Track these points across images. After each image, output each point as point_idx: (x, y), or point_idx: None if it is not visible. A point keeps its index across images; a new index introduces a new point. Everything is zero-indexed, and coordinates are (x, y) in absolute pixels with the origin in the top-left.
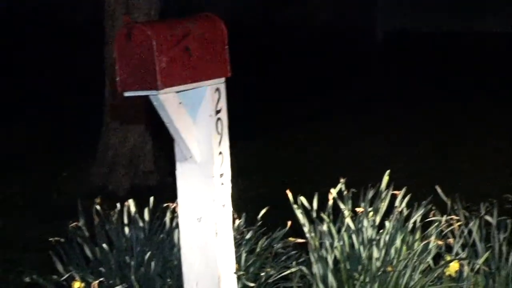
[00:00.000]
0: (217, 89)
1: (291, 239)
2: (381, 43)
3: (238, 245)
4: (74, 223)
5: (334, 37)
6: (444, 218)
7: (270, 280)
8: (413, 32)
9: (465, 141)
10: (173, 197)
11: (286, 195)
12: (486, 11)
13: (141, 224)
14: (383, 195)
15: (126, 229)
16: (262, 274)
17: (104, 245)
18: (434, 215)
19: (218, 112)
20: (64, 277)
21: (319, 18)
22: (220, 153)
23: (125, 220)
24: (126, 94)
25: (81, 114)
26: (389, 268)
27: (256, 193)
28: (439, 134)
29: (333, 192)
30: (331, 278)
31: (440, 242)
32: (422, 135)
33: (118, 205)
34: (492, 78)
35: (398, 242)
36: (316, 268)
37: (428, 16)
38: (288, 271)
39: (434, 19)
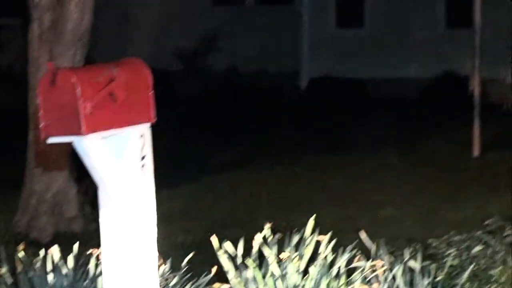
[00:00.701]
0: (142, 135)
1: (216, 285)
2: (306, 89)
3: None
4: None
5: (260, 84)
6: (368, 263)
7: None
8: (338, 78)
9: (388, 186)
10: (97, 244)
11: (212, 240)
12: (409, 59)
13: (65, 271)
14: (308, 240)
15: (50, 277)
16: None
17: None
18: (358, 260)
19: (143, 158)
20: None
21: (246, 64)
22: (145, 198)
23: (49, 267)
24: (50, 140)
25: (4, 160)
26: None
27: (182, 238)
28: (363, 179)
29: (258, 238)
30: None
31: None
32: (346, 180)
33: (42, 252)
34: (407, 124)
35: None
36: None
37: (353, 63)
38: None
39: (358, 66)
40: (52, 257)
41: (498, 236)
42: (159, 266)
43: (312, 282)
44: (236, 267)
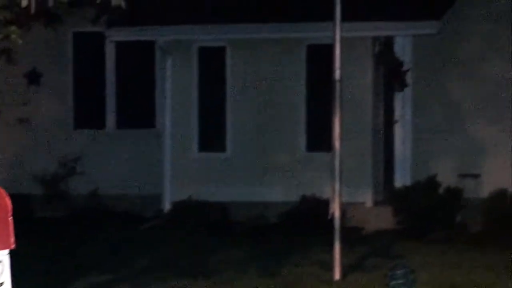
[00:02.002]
0: (1, 261)
1: None
2: (169, 213)
3: None
4: None
5: (123, 208)
6: None
7: None
8: (200, 202)
9: None
10: None
11: None
12: (270, 183)
13: None
14: None
15: None
16: None
17: None
18: None
19: (1, 284)
20: None
21: (108, 188)
22: None
23: None
24: None
25: None
26: None
27: None
28: None
29: None
30: None
31: None
32: None
33: None
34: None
35: None
36: None
37: (215, 187)
38: None
39: (220, 190)
40: None
41: None
42: None
43: None
44: None
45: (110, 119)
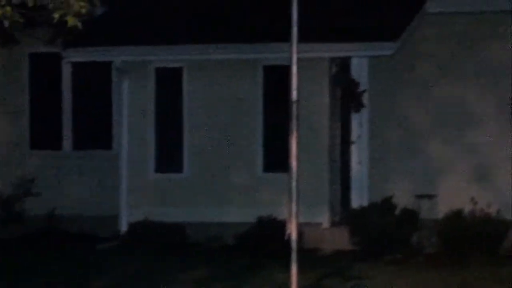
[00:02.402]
0: None
1: None
2: (125, 234)
3: None
4: None
5: (79, 229)
6: None
7: None
8: (157, 223)
9: None
10: None
11: None
12: (227, 203)
13: None
14: None
15: None
16: None
17: None
18: None
19: None
20: None
21: (64, 209)
22: None
23: None
24: None
25: None
26: None
27: None
28: None
29: None
30: None
31: None
32: None
33: None
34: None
35: None
36: None
37: (172, 207)
38: None
39: (177, 210)
40: None
41: None
42: None
43: None
44: None
45: (67, 140)
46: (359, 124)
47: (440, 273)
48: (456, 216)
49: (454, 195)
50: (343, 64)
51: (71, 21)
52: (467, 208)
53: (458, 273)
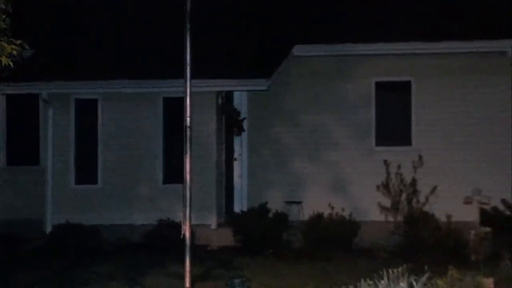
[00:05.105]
0: None
1: None
2: (50, 234)
3: None
4: None
5: (9, 231)
6: None
7: None
8: (76, 225)
9: None
10: None
11: None
12: (134, 209)
13: None
14: None
15: None
16: None
17: None
18: None
19: None
20: None
21: None
22: None
23: None
24: None
25: None
26: None
27: None
28: None
29: None
30: None
31: None
32: None
33: None
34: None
35: None
36: None
37: (89, 212)
38: None
39: (93, 215)
40: None
41: None
42: None
43: None
44: None
45: (1, 157)
46: (240, 145)
47: (305, 263)
48: (317, 218)
49: (316, 201)
50: (228, 97)
51: (4, 60)
52: (326, 212)
53: (319, 264)
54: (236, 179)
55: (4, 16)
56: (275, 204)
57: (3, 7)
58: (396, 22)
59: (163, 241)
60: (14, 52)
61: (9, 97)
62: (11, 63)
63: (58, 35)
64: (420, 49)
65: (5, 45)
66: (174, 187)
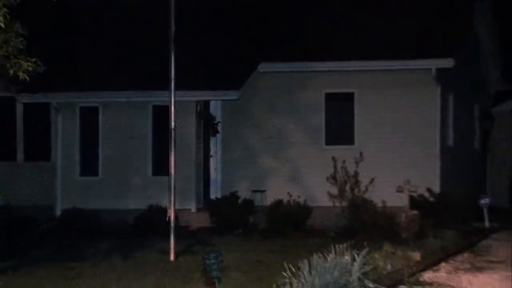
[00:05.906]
0: None
1: None
2: (59, 217)
3: None
4: None
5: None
6: None
7: None
8: (81, 209)
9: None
10: None
11: None
12: (129, 196)
13: None
14: None
15: None
16: None
17: None
18: None
19: None
20: None
21: (19, 202)
22: None
23: None
24: None
25: None
26: None
27: None
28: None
29: None
30: None
31: None
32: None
33: None
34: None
35: None
36: None
37: (91, 199)
38: None
39: (95, 201)
40: None
41: None
42: None
43: None
44: None
45: (20, 154)
46: (215, 144)
47: (267, 241)
48: (278, 204)
49: (277, 190)
50: (205, 104)
51: (21, 75)
52: (285, 199)
53: (279, 241)
54: (212, 172)
55: (21, 39)
56: (244, 192)
57: (21, 31)
58: (343, 44)
59: (152, 222)
60: (30, 68)
61: (26, 105)
62: (27, 78)
63: (66, 54)
64: (361, 66)
65: (22, 62)
66: (161, 179)
